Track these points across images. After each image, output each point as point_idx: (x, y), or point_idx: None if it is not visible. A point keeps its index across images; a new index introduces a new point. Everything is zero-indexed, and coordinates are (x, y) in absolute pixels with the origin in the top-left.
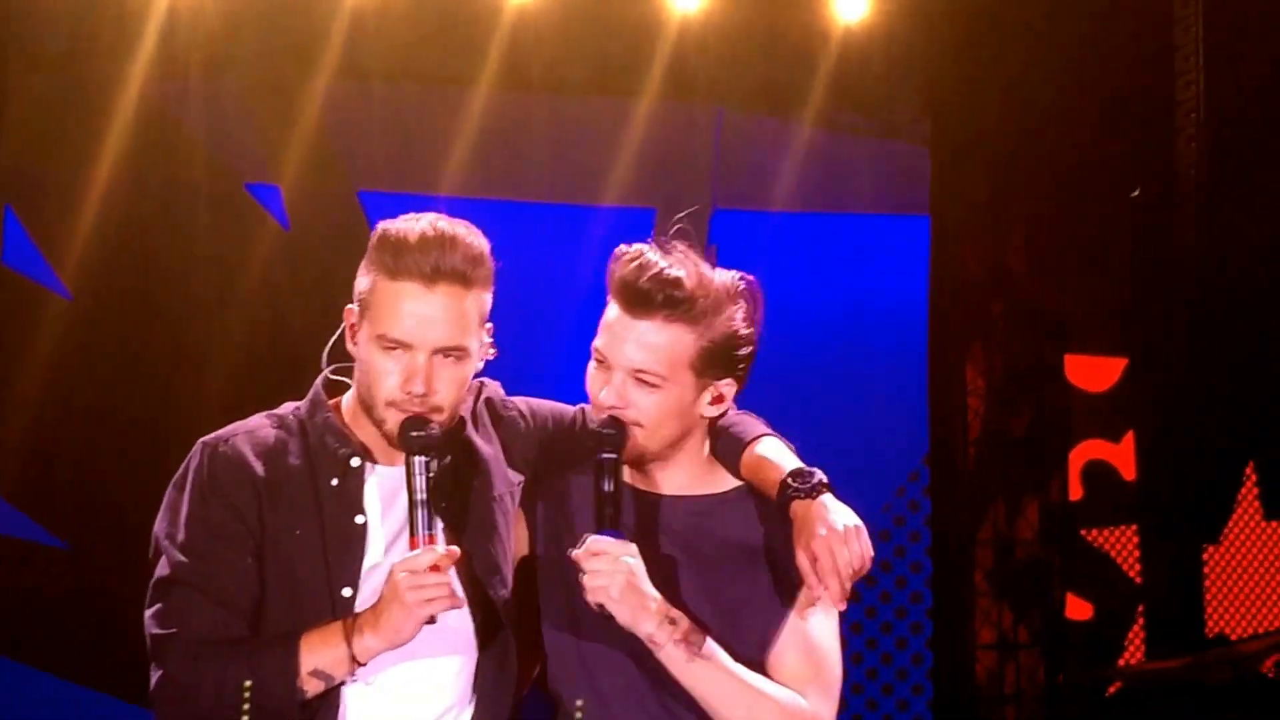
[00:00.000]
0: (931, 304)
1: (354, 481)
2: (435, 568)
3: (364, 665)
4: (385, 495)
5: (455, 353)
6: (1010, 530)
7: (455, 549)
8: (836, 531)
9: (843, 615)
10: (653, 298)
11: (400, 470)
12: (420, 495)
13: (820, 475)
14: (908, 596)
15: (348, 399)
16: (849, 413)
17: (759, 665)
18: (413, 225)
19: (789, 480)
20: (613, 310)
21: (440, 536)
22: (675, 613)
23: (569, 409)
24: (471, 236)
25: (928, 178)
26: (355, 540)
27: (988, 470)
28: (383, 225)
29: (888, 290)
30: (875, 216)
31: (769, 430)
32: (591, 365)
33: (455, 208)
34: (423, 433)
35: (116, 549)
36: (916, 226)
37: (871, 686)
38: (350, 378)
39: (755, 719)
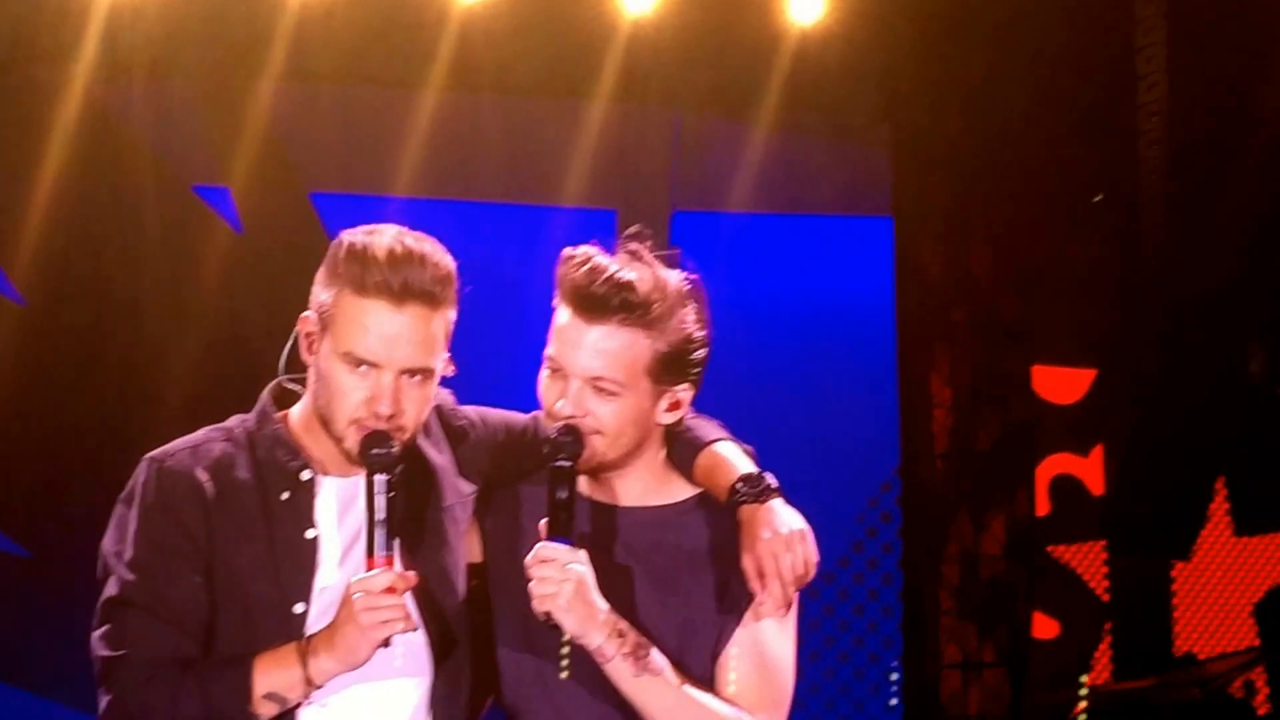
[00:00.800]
0: (898, 309)
1: (304, 495)
2: (391, 589)
3: (319, 688)
4: (338, 507)
5: (422, 373)
6: (976, 546)
7: (412, 574)
8: (780, 535)
9: (805, 628)
10: (607, 302)
11: (353, 481)
12: (380, 515)
13: (770, 480)
14: (880, 610)
15: (298, 410)
16: (816, 419)
17: (711, 679)
18: (379, 240)
19: (738, 484)
20: (564, 315)
21: (397, 557)
22: (624, 625)
23: (521, 418)
24: (439, 255)
25: (889, 179)
26: (307, 555)
27: (954, 484)
28: (347, 237)
29: (853, 292)
30: (836, 218)
31: (725, 434)
32: (544, 373)
33: (409, 209)
34: (385, 450)
35: (81, 558)
36: (879, 228)
37: (843, 703)
38: (301, 386)
39: None
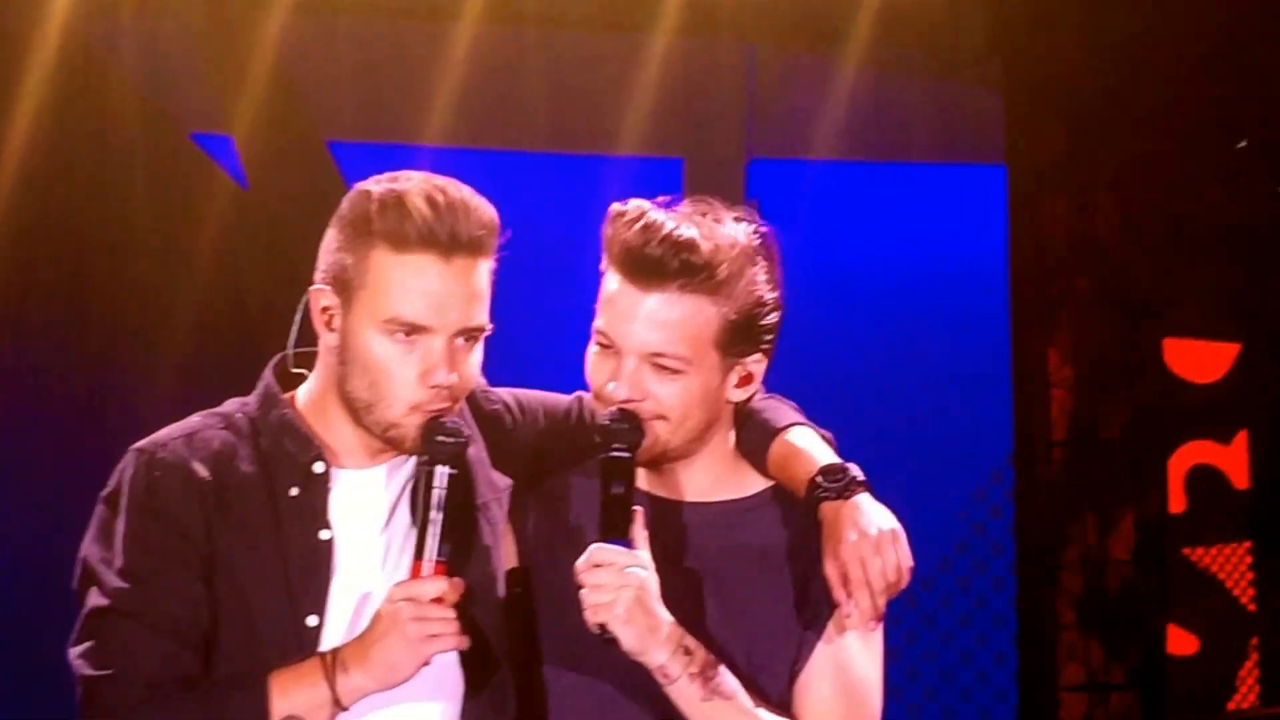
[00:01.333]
0: (1011, 274)
1: (317, 490)
2: (440, 599)
3: (346, 709)
4: (354, 504)
5: (475, 333)
6: (1101, 549)
7: (459, 581)
8: (868, 537)
9: (900, 641)
10: (665, 265)
11: (372, 474)
12: (435, 513)
13: (855, 471)
14: (990, 619)
15: (305, 392)
16: (912, 401)
17: (787, 703)
18: (412, 187)
19: (818, 478)
20: (614, 282)
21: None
22: (691, 641)
23: (562, 399)
24: (479, 198)
25: (999, 122)
26: (320, 559)
27: (1075, 478)
28: (369, 188)
29: (957, 253)
30: (938, 166)
31: (801, 418)
32: (592, 349)
33: (442, 160)
34: (450, 438)
35: (47, 564)
36: (989, 178)
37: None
38: (307, 368)
39: None
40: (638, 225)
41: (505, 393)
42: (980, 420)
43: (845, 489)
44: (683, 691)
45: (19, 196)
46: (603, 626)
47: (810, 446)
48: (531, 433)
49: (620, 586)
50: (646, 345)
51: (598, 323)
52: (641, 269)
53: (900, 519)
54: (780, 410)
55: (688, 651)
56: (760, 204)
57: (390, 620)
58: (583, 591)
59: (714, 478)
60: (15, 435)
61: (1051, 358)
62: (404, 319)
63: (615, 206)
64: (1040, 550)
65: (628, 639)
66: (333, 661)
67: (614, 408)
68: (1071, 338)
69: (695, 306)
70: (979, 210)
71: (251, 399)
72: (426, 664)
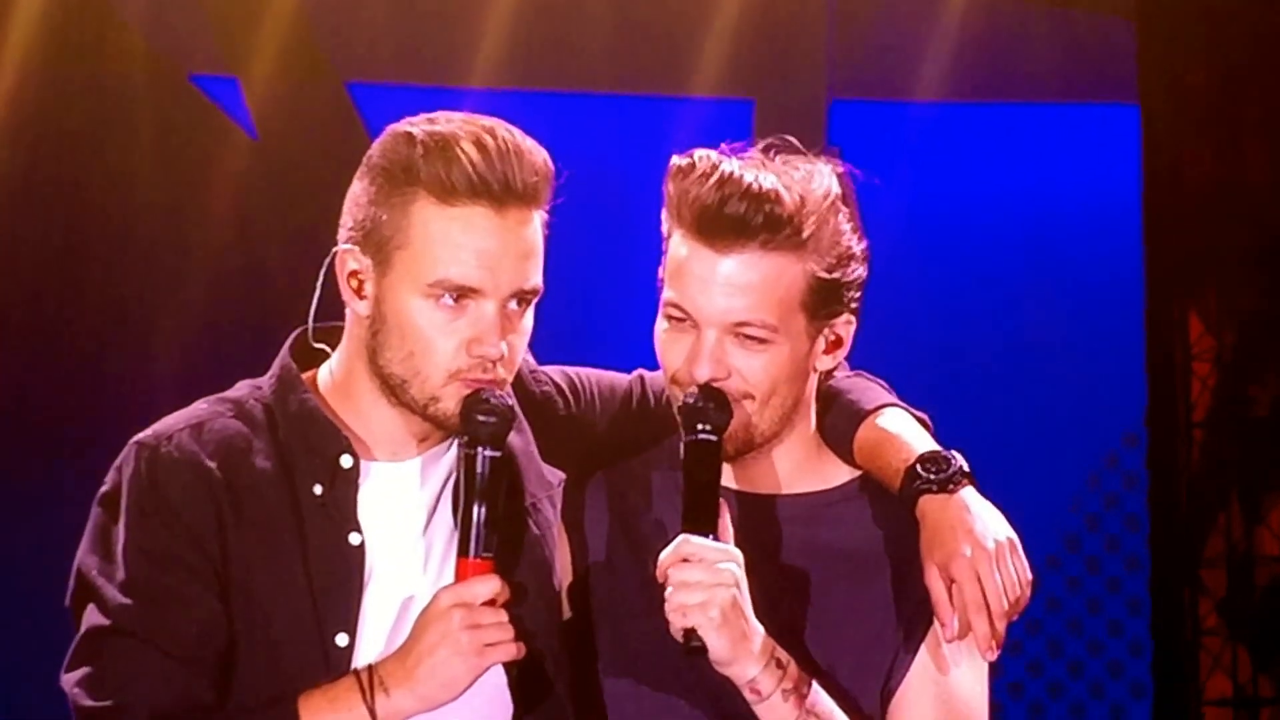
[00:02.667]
0: (1145, 231)
1: (346, 488)
2: (493, 601)
3: None
4: (388, 503)
5: (529, 296)
6: (1249, 544)
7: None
8: (983, 550)
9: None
10: (747, 222)
11: (406, 467)
12: (479, 502)
13: (959, 461)
14: (1105, 627)
15: (328, 372)
16: (1024, 374)
17: None
18: (453, 129)
19: (917, 467)
20: (683, 247)
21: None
22: (782, 653)
23: (621, 379)
24: (529, 140)
25: (1131, 57)
26: (350, 567)
27: (1219, 463)
28: (406, 130)
29: (1078, 206)
30: (1055, 107)
31: (890, 397)
32: (662, 325)
33: (483, 103)
34: (494, 417)
35: (34, 570)
36: (1119, 121)
37: None
38: (329, 345)
39: None
40: (711, 180)
41: (555, 372)
42: (1106, 395)
43: (949, 481)
44: (775, 710)
45: (15, 151)
46: (689, 633)
47: (905, 431)
48: (588, 419)
49: (714, 585)
50: (728, 315)
51: (668, 294)
52: (719, 229)
53: (1018, 494)
54: (869, 390)
55: (780, 665)
56: (842, 152)
57: (440, 631)
58: (668, 592)
59: (793, 466)
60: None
61: (1193, 326)
62: (453, 281)
63: (677, 160)
64: (1178, 546)
65: (719, 648)
66: (370, 680)
67: (696, 388)
68: (1216, 303)
69: (780, 266)
70: (1105, 157)
71: (266, 382)
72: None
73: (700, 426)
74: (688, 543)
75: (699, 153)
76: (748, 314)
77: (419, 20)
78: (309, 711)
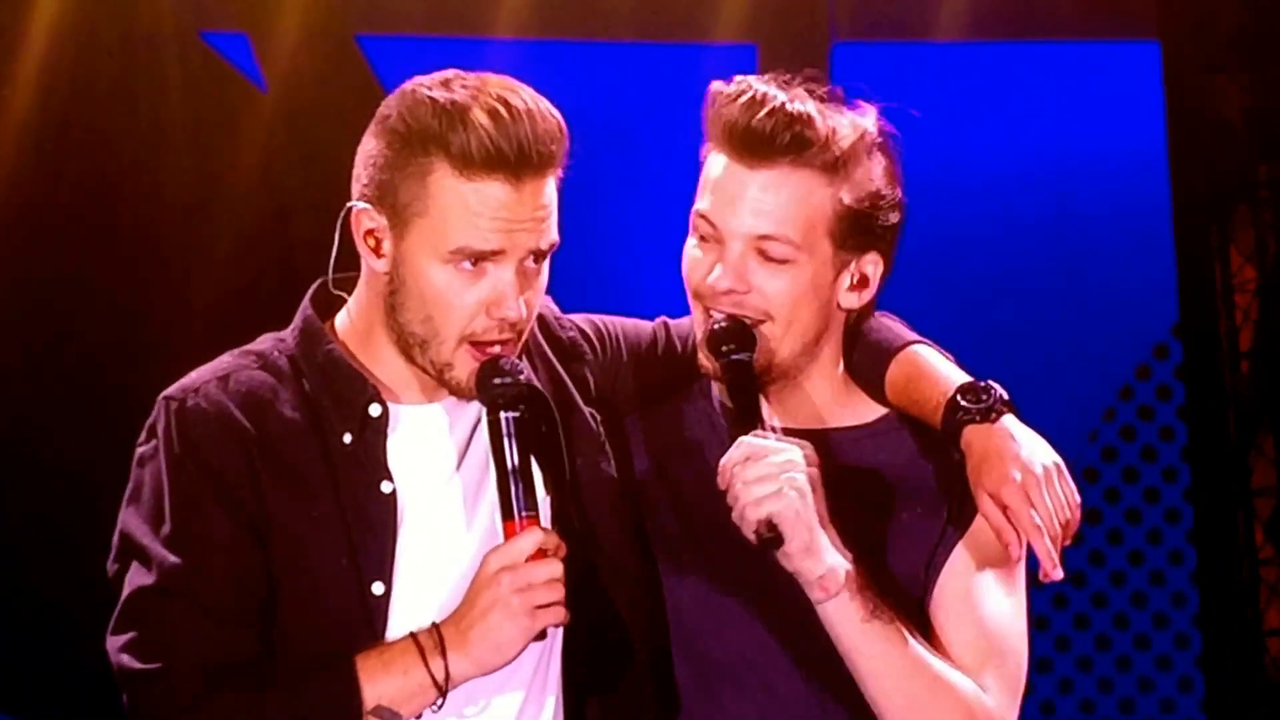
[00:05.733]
0: (1172, 162)
1: (375, 436)
2: (542, 553)
3: (444, 697)
4: (418, 448)
5: (545, 253)
6: None
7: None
8: (1034, 474)
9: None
10: (776, 138)
11: (435, 410)
12: (512, 462)
13: (998, 389)
14: (1165, 556)
15: (345, 320)
16: (1044, 309)
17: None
18: (469, 97)
19: (959, 398)
20: (717, 164)
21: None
22: (847, 553)
23: (645, 326)
24: (543, 103)
25: None
26: (384, 515)
27: (1262, 394)
28: (421, 93)
29: (1097, 145)
30: (1067, 45)
31: (918, 337)
32: (691, 242)
33: (495, 55)
34: (508, 380)
35: (62, 541)
36: (1138, 57)
37: (1123, 681)
38: (346, 292)
39: (924, 710)
40: (743, 98)
41: (580, 319)
42: (1137, 317)
43: (990, 410)
44: (842, 609)
45: (25, 110)
46: (765, 525)
47: (937, 365)
48: (614, 365)
49: (784, 472)
50: (754, 228)
51: (698, 206)
52: (748, 144)
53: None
54: (893, 329)
55: (848, 560)
56: (845, 95)
57: (491, 595)
58: (737, 487)
59: (824, 401)
60: (20, 381)
61: (1233, 257)
62: (473, 248)
63: (716, 85)
64: (1224, 474)
65: (796, 536)
66: (427, 643)
67: (718, 314)
68: (1256, 234)
69: (808, 186)
70: (1124, 96)
71: (289, 334)
72: (541, 638)
73: (725, 348)
74: (750, 442)
75: (740, 77)
76: (772, 228)
77: None
78: (365, 674)
